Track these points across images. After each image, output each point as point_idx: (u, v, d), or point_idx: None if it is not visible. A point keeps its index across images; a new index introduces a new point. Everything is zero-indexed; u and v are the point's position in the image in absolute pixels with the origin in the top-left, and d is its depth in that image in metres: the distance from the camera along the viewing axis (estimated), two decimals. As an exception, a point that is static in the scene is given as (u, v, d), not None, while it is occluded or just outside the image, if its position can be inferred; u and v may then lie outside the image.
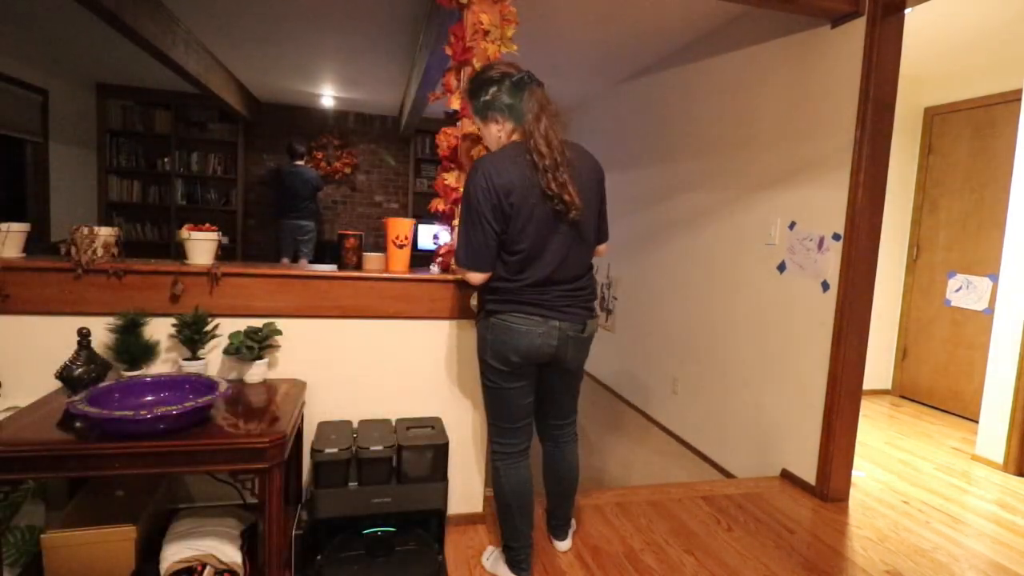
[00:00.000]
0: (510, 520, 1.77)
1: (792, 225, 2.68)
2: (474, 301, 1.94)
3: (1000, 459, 2.95)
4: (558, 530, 2.02)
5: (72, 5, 2.69)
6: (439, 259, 2.09)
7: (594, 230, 1.70)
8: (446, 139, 2.00)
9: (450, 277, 2.00)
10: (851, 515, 2.38)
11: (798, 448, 2.61)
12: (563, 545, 2.01)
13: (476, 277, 1.61)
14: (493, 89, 1.58)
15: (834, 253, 2.44)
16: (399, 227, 1.99)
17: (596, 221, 1.70)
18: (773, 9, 2.44)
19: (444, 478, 1.84)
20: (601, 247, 1.80)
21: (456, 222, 1.83)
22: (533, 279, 1.59)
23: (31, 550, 1.57)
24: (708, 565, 1.95)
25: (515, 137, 1.61)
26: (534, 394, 1.76)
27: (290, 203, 5.68)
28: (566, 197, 1.52)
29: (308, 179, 5.70)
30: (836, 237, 2.43)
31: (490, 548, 1.96)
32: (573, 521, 2.10)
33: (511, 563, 1.80)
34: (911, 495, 2.62)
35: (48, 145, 4.91)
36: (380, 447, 1.75)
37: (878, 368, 4.27)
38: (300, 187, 5.66)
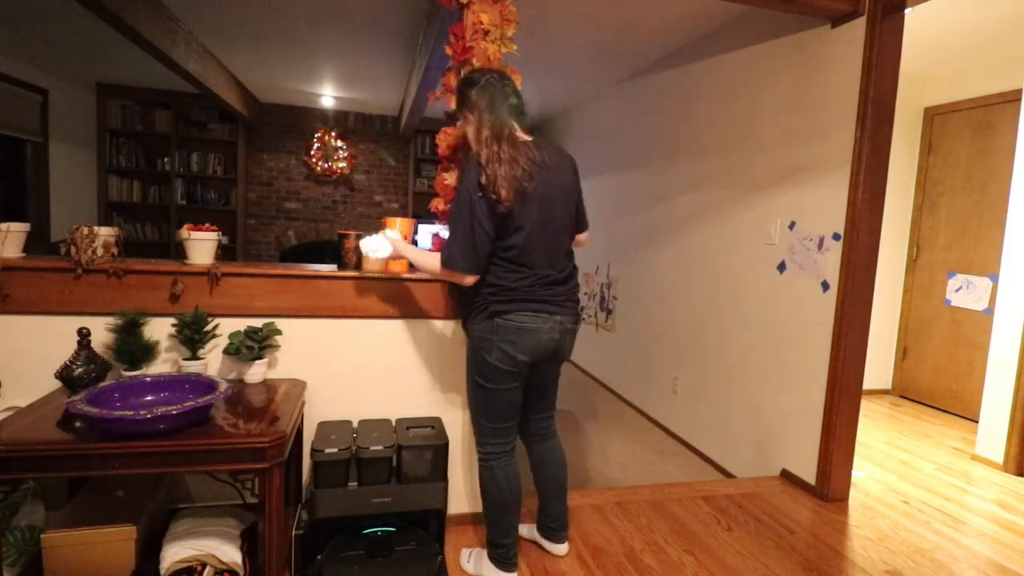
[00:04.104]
0: (506, 517, 1.75)
1: (792, 225, 2.68)
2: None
3: (1000, 459, 2.95)
4: (557, 533, 1.93)
5: (72, 5, 2.69)
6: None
7: (571, 225, 1.75)
8: (446, 139, 2.00)
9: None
10: (851, 515, 2.38)
11: (798, 448, 2.61)
12: (562, 548, 1.93)
13: (469, 279, 1.62)
14: (468, 90, 1.67)
15: (834, 253, 2.44)
16: (399, 227, 1.99)
17: (573, 211, 1.75)
18: (773, 9, 2.44)
19: (444, 478, 1.84)
20: (581, 236, 1.83)
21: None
22: (533, 276, 1.63)
23: (31, 550, 1.57)
24: (708, 565, 1.95)
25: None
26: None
27: None
28: (502, 192, 1.54)
29: None
30: (836, 237, 2.43)
31: (467, 550, 1.92)
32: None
33: (502, 560, 1.77)
34: (911, 495, 2.62)
35: (48, 145, 4.91)
36: (380, 447, 1.75)
37: (878, 368, 4.27)
38: None
